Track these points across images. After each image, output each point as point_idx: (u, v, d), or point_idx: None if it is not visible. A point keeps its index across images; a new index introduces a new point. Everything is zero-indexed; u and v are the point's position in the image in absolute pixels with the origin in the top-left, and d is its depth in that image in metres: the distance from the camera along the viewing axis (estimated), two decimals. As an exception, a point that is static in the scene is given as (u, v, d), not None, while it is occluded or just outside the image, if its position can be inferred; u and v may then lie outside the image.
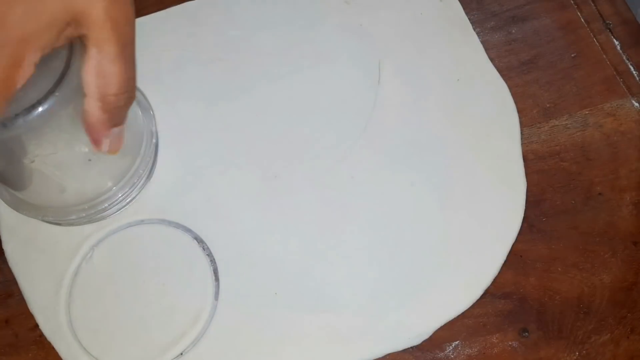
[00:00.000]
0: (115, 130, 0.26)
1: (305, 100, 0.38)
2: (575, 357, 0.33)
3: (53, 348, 0.33)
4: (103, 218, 0.34)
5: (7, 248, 0.35)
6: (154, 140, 0.34)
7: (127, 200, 0.34)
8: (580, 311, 0.34)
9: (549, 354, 0.33)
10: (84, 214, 0.33)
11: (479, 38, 0.40)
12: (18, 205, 0.32)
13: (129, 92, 0.25)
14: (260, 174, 0.36)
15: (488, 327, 0.34)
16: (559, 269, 0.35)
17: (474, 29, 0.40)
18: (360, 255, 0.34)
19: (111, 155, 0.26)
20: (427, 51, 0.40)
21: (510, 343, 0.33)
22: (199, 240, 0.35)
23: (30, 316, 0.34)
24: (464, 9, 0.41)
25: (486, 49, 0.40)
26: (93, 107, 0.24)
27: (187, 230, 0.35)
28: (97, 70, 0.23)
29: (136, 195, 0.35)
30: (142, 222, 0.35)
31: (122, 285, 0.34)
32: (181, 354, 0.32)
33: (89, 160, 0.27)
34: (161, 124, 0.37)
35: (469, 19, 0.41)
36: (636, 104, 0.39)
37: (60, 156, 0.29)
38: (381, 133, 0.37)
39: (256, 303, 0.33)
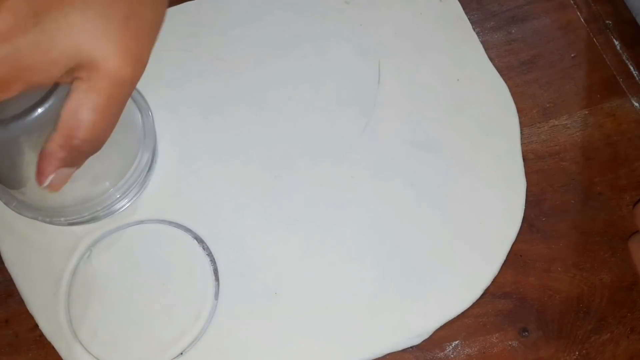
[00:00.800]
0: (65, 170, 0.25)
1: (305, 100, 0.38)
2: (575, 357, 0.33)
3: (53, 348, 0.33)
4: (102, 218, 0.34)
5: (3, 248, 0.35)
6: (152, 141, 0.34)
7: (126, 201, 0.34)
8: (580, 311, 0.34)
9: (549, 354, 0.33)
10: (84, 214, 0.33)
11: (479, 38, 0.40)
12: (18, 207, 0.32)
13: (94, 144, 0.25)
14: (260, 173, 0.36)
15: (488, 326, 0.34)
16: (559, 269, 0.35)
17: (474, 29, 0.40)
18: (360, 255, 0.34)
19: (49, 191, 0.26)
20: (427, 51, 0.40)
21: (510, 343, 0.33)
22: (199, 240, 0.35)
23: (30, 316, 0.34)
24: (464, 9, 0.41)
25: (486, 49, 0.40)
26: (55, 141, 0.24)
27: (187, 230, 0.35)
28: (74, 112, 0.23)
29: (135, 196, 0.35)
30: (141, 222, 0.35)
31: (122, 285, 0.34)
32: (181, 353, 0.32)
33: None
34: (161, 123, 0.37)
35: (469, 19, 0.41)
36: (636, 104, 0.39)
37: None
38: (381, 133, 0.37)
39: (256, 303, 0.33)
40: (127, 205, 0.35)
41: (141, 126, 0.34)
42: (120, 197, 0.33)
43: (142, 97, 0.35)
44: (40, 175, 0.25)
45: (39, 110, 0.25)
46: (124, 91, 0.24)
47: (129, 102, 0.32)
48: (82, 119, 0.23)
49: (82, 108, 0.23)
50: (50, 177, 0.25)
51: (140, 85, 0.35)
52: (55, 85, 0.25)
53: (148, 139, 0.34)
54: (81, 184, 0.32)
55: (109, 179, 0.33)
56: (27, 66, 0.21)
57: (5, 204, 0.33)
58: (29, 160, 0.28)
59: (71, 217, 0.33)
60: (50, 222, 0.33)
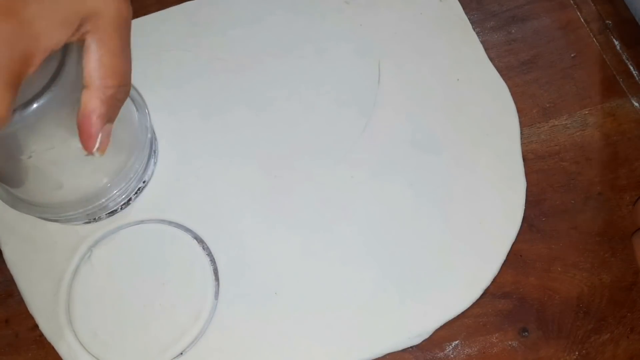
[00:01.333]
0: (107, 126, 0.26)
1: (305, 100, 0.38)
2: (575, 357, 0.33)
3: (53, 348, 0.33)
4: (100, 214, 0.34)
5: (5, 249, 0.35)
6: (148, 136, 0.34)
7: (123, 197, 0.34)
8: (580, 311, 0.34)
9: (549, 354, 0.33)
10: (81, 210, 0.33)
11: (479, 38, 0.40)
12: (16, 204, 0.33)
13: (126, 85, 0.26)
14: (260, 173, 0.36)
15: (488, 326, 0.34)
16: (559, 269, 0.35)
17: (474, 29, 0.40)
18: (360, 255, 0.34)
19: (99, 155, 0.26)
20: (427, 51, 0.40)
21: (510, 343, 0.33)
22: (199, 240, 0.35)
23: (30, 316, 0.34)
24: (464, 9, 0.41)
25: (486, 49, 0.40)
26: (93, 98, 0.25)
27: (187, 230, 0.35)
28: (99, 63, 0.25)
29: (134, 192, 0.35)
30: (141, 222, 0.35)
31: (122, 285, 0.34)
32: (181, 353, 0.32)
33: (86, 155, 0.27)
34: (161, 124, 0.37)
35: (469, 19, 0.41)
36: (636, 104, 0.39)
37: (57, 152, 0.29)
38: (381, 133, 0.37)
39: (256, 303, 0.33)
40: (126, 201, 0.35)
41: (137, 122, 0.34)
42: (118, 192, 0.33)
43: (138, 93, 0.35)
44: (88, 139, 0.26)
45: (35, 105, 0.25)
46: (128, 27, 0.26)
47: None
48: (107, 65, 0.25)
49: (103, 56, 0.24)
50: (99, 139, 0.26)
51: (140, 85, 0.35)
52: (50, 81, 0.25)
53: (144, 135, 0.34)
54: (79, 180, 0.32)
55: (107, 174, 0.33)
56: (40, 33, 0.22)
57: (5, 202, 0.33)
58: (28, 157, 0.28)
59: (72, 213, 0.33)
60: (50, 220, 0.33)
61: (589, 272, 0.35)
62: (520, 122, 0.38)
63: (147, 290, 0.33)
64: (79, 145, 0.27)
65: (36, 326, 0.33)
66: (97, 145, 0.26)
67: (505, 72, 0.39)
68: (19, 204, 0.32)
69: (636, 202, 0.34)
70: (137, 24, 0.41)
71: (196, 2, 0.41)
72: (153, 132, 0.36)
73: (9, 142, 0.27)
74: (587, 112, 0.39)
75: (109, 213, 0.35)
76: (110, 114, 0.26)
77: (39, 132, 0.27)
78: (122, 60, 0.25)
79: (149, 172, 0.36)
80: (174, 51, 0.40)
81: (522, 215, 0.35)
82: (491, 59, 0.40)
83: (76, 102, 0.25)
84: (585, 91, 0.39)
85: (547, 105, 0.39)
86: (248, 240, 0.35)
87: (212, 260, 0.34)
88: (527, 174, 0.36)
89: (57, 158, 0.30)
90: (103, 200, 0.33)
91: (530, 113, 0.39)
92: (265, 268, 0.34)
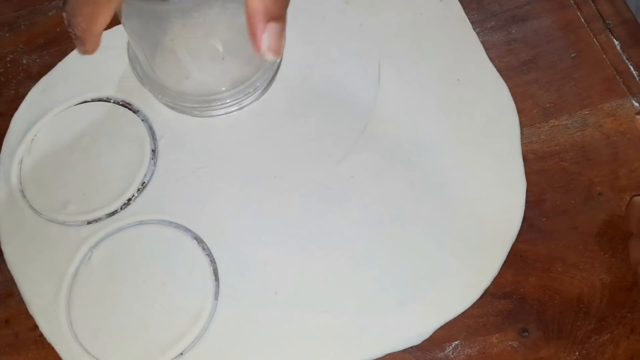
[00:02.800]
0: (275, 27, 0.25)
1: (305, 100, 0.38)
2: (575, 357, 0.33)
3: (53, 348, 0.33)
4: (210, 116, 0.37)
5: (6, 249, 0.35)
6: (278, 60, 0.36)
7: (236, 107, 0.36)
8: (580, 311, 0.34)
9: (549, 354, 0.33)
10: (196, 105, 0.35)
11: (479, 38, 0.40)
12: (149, 84, 0.35)
13: None
14: (260, 173, 0.36)
15: (488, 327, 0.34)
16: (559, 269, 0.35)
17: (474, 29, 0.40)
18: (360, 255, 0.34)
19: (272, 57, 0.25)
20: (427, 51, 0.40)
21: (510, 343, 0.33)
22: (199, 240, 0.35)
23: (30, 316, 0.34)
24: (464, 9, 0.41)
25: (486, 49, 0.40)
26: None
27: (187, 230, 0.35)
28: None
29: (136, 191, 0.35)
30: (141, 222, 0.35)
31: (123, 286, 0.34)
32: (181, 353, 0.32)
33: (222, 59, 0.29)
34: (161, 124, 0.37)
35: (469, 19, 0.41)
36: (636, 104, 0.39)
37: (196, 44, 0.32)
38: (381, 133, 0.37)
39: (256, 303, 0.33)
40: (126, 201, 0.35)
41: None
42: (231, 102, 0.35)
43: None
44: (254, 39, 0.25)
45: None
46: None
47: None
48: None
49: None
50: (265, 38, 0.24)
51: (140, 86, 0.35)
52: None
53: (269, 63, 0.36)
54: (207, 77, 0.35)
55: (230, 79, 0.35)
56: None
57: (140, 81, 0.35)
58: (170, 39, 0.31)
59: (188, 105, 0.35)
60: (169, 106, 0.36)
61: (589, 272, 0.35)
62: (520, 122, 0.38)
63: (147, 290, 0.33)
64: (218, 46, 0.29)
65: (36, 326, 0.33)
66: (264, 46, 0.25)
67: (505, 72, 0.39)
68: (151, 84, 0.35)
69: (627, 207, 0.34)
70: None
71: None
72: (281, 57, 0.37)
73: (162, 21, 0.30)
74: (587, 112, 0.39)
75: (109, 214, 0.35)
76: (273, 11, 0.24)
77: (190, 20, 0.29)
78: None
79: (149, 172, 0.36)
80: (174, 51, 0.40)
81: (522, 215, 0.35)
82: (491, 59, 0.40)
83: (229, 8, 0.27)
84: (586, 91, 0.39)
85: (547, 105, 0.39)
86: (248, 240, 0.35)
87: (212, 260, 0.34)
88: (527, 174, 0.36)
89: (193, 49, 0.32)
90: (218, 104, 0.35)
91: (530, 113, 0.39)
92: (265, 268, 0.34)
